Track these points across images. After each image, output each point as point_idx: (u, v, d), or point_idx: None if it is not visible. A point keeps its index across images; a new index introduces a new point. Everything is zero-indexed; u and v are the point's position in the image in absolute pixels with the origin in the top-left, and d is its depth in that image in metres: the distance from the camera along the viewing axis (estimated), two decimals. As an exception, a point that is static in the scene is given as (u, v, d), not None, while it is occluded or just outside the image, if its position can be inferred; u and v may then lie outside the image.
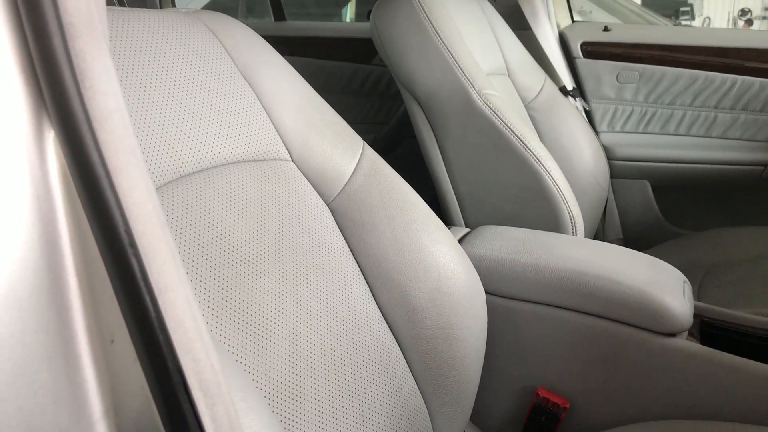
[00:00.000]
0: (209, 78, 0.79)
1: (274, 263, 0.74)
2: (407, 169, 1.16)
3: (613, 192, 1.88)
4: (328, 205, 0.86)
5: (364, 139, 0.94)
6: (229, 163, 0.77)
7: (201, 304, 0.64)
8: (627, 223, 1.88)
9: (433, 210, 0.94)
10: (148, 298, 0.30)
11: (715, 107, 1.78)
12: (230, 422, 0.34)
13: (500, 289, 1.00)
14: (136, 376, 0.32)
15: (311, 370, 0.70)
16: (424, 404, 0.85)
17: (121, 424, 0.33)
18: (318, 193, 0.86)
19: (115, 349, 0.32)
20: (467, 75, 1.30)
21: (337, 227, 0.85)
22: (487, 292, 1.00)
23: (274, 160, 0.83)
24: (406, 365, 0.84)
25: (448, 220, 1.42)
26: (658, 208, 1.85)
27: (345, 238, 0.86)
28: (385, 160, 0.94)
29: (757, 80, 1.73)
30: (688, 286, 0.98)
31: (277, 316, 0.70)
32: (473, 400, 0.92)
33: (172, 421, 0.32)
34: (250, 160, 0.80)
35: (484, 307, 0.92)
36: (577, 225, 1.25)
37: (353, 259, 0.85)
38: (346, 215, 0.86)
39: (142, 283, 0.30)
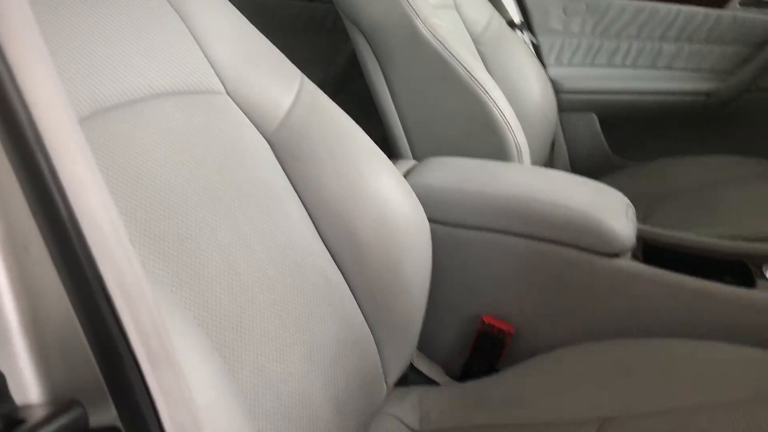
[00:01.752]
0: (134, 6, 0.76)
1: (209, 196, 0.73)
2: (358, 109, 1.15)
3: (561, 125, 1.90)
4: (266, 139, 0.85)
5: (312, 80, 0.93)
6: (157, 96, 0.75)
7: (130, 236, 0.63)
8: (575, 156, 1.91)
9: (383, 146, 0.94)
10: (59, 200, 0.29)
11: (661, 38, 1.80)
12: (155, 328, 0.33)
13: (446, 217, 1.02)
14: (54, 284, 0.31)
15: (254, 303, 0.70)
16: (371, 335, 0.87)
17: (42, 336, 0.32)
18: (256, 127, 0.84)
19: (29, 257, 0.31)
20: (412, 4, 1.29)
21: (276, 161, 0.85)
22: (433, 221, 1.01)
23: (207, 93, 0.81)
24: (352, 297, 0.85)
25: (395, 154, 1.43)
26: (606, 140, 1.89)
27: (285, 172, 0.85)
28: (334, 101, 0.93)
29: (701, 10, 1.76)
30: (631, 209, 1.01)
31: (214, 249, 0.69)
32: (420, 330, 0.95)
33: (93, 328, 0.32)
34: (180, 93, 0.78)
35: (428, 238, 0.93)
36: (523, 154, 1.27)
37: (294, 193, 0.85)
38: (286, 149, 0.85)
39: (52, 184, 0.29)
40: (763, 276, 0.96)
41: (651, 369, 0.85)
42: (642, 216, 1.35)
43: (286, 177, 0.85)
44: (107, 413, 0.34)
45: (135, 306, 0.32)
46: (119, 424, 0.34)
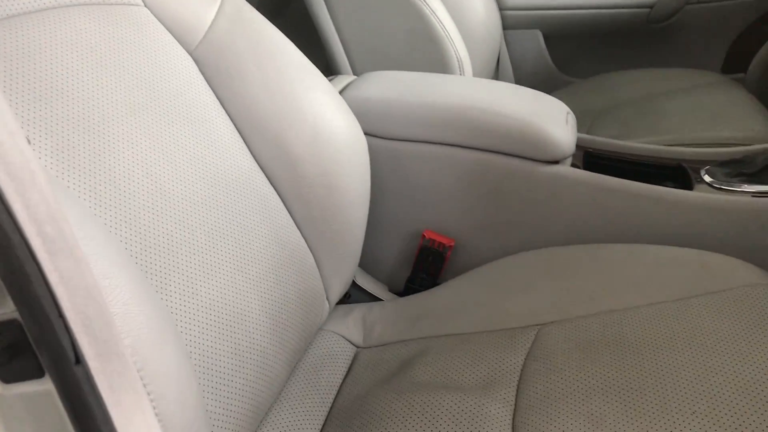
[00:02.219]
0: None
1: (129, 111, 0.70)
2: (299, 31, 1.12)
3: (506, 43, 1.88)
4: (190, 54, 0.81)
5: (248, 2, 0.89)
6: (67, 6, 0.70)
7: (39, 148, 0.60)
8: (520, 74, 1.90)
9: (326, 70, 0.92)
10: None
11: (603, -48, 1.79)
12: (50, 214, 0.32)
13: (386, 131, 1.00)
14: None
15: (180, 220, 0.69)
16: (309, 253, 0.86)
17: None
18: (178, 41, 0.81)
19: None
20: None
21: (202, 77, 0.82)
22: (373, 135, 1.00)
23: (123, 4, 0.77)
24: (288, 214, 0.84)
25: (335, 71, 1.40)
26: (551, 57, 1.88)
27: (212, 88, 0.82)
28: (274, 24, 0.89)
29: None
30: (571, 116, 1.01)
31: (136, 164, 0.67)
32: (360, 247, 0.94)
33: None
34: (93, 3, 0.73)
35: (365, 154, 0.91)
36: (464, 67, 1.26)
37: (222, 109, 0.82)
38: (211, 64, 0.82)
39: None
40: (702, 180, 0.98)
41: (587, 274, 0.87)
42: (585, 130, 1.36)
43: (213, 94, 0.82)
44: (4, 306, 0.32)
45: (23, 187, 0.30)
46: (17, 317, 0.32)
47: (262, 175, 0.83)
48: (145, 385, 0.48)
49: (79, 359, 0.33)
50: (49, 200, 0.31)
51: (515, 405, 0.72)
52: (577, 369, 0.72)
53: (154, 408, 0.48)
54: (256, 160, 0.83)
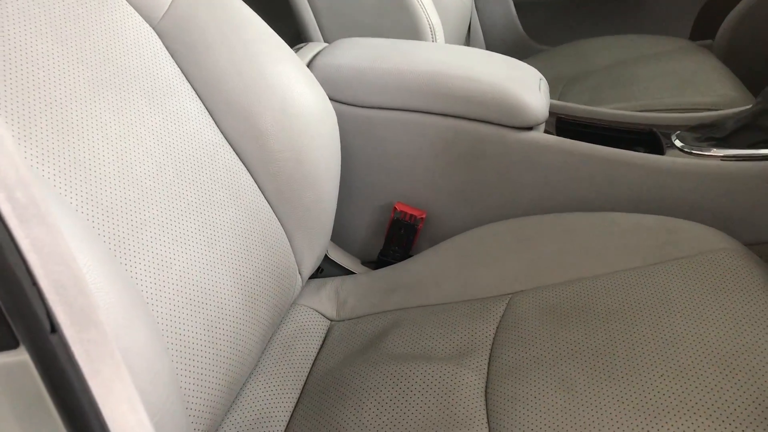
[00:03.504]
0: None
1: (93, 88, 0.70)
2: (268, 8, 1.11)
3: (477, 10, 1.89)
4: (153, 28, 0.81)
5: None
6: None
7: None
8: (491, 42, 1.92)
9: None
10: None
11: None
12: (20, 179, 0.32)
13: (358, 98, 1.01)
14: None
15: (148, 195, 0.69)
16: (280, 227, 0.87)
17: None
18: (141, 15, 0.80)
19: None
20: None
21: (166, 51, 0.81)
22: (344, 103, 1.00)
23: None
24: (257, 189, 0.85)
25: (305, 37, 1.39)
26: (522, 25, 1.90)
27: (177, 63, 0.82)
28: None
29: None
30: (543, 82, 1.03)
31: (101, 141, 0.67)
32: (332, 220, 0.95)
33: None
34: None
35: (335, 126, 0.92)
36: (436, 34, 1.26)
37: (188, 83, 0.82)
38: (176, 38, 0.82)
39: None
40: (672, 144, 1.00)
41: (556, 243, 0.90)
42: (556, 98, 1.38)
43: (178, 68, 0.82)
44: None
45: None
46: (-12, 285, 0.32)
47: (231, 150, 0.84)
48: (117, 361, 0.49)
49: (54, 328, 0.33)
50: (19, 165, 0.32)
51: (487, 373, 0.74)
52: (548, 336, 0.75)
53: (128, 383, 0.50)
54: (224, 135, 0.84)
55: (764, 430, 0.58)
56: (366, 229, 1.10)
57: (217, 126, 0.83)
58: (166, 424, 0.53)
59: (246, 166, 0.84)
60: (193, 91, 0.83)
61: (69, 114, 0.66)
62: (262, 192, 0.86)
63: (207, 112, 0.83)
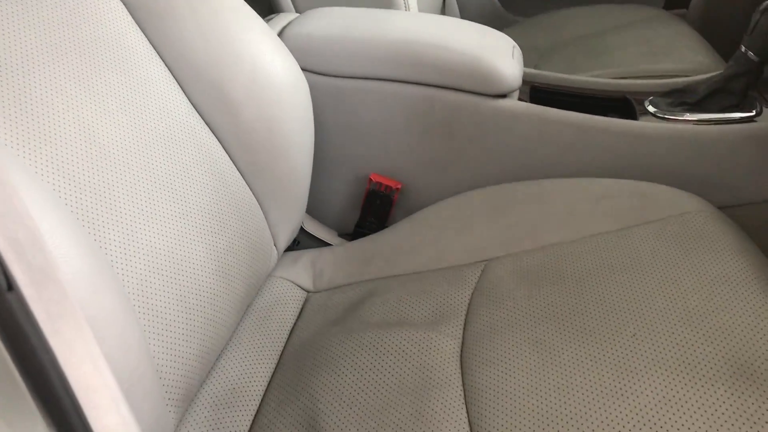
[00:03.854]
0: None
1: (54, 55, 0.68)
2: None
3: (451, -19, 1.88)
4: None
5: None
6: None
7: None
8: (466, 13, 1.91)
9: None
10: None
11: None
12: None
13: (330, 67, 1.00)
14: None
15: (114, 166, 0.68)
16: (254, 199, 0.86)
17: None
18: None
19: None
20: None
21: (132, 20, 0.80)
22: (316, 73, 0.99)
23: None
24: (230, 161, 0.84)
25: (277, 8, 1.38)
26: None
27: (144, 33, 0.81)
28: None
29: None
30: (517, 50, 1.02)
31: (63, 109, 0.66)
32: (307, 192, 0.95)
33: None
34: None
35: (307, 95, 0.91)
36: (410, 2, 1.25)
37: (156, 54, 0.81)
38: (142, 7, 0.81)
39: None
40: (646, 110, 1.01)
41: (530, 210, 0.90)
42: (533, 68, 1.37)
43: (145, 38, 0.81)
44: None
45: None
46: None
47: (201, 121, 0.83)
48: (84, 327, 0.48)
49: (11, 286, 0.33)
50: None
51: (463, 337, 0.75)
52: (522, 300, 0.75)
53: (96, 350, 0.49)
54: (194, 107, 0.83)
55: (735, 385, 0.59)
56: (342, 201, 1.10)
57: (187, 97, 0.83)
58: (138, 392, 0.52)
59: (217, 138, 0.84)
60: (162, 62, 0.81)
61: (28, 82, 0.65)
62: (234, 164, 0.85)
63: (176, 83, 0.82)
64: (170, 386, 0.65)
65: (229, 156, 0.85)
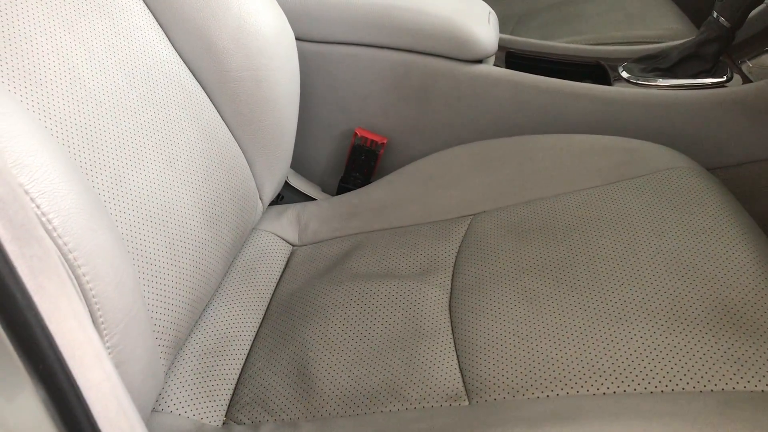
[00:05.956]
0: None
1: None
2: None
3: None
4: None
5: None
6: None
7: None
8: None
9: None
10: None
11: None
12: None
13: (311, 33, 0.96)
14: None
15: (103, 110, 0.62)
16: (239, 149, 0.81)
17: None
18: None
19: None
20: None
21: None
22: (298, 39, 0.94)
23: None
24: (215, 110, 0.78)
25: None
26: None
27: None
28: None
29: None
30: (493, 15, 0.99)
31: (51, 51, 0.60)
32: (292, 146, 0.90)
33: None
34: None
35: (293, 47, 0.86)
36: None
37: (140, 0, 0.74)
38: None
39: None
40: (619, 76, 0.98)
41: (516, 164, 0.86)
42: (507, 34, 1.34)
43: None
44: None
45: None
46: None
47: (186, 69, 0.77)
48: (79, 266, 0.44)
49: (-7, 242, 0.29)
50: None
51: (451, 288, 0.71)
52: (510, 252, 0.72)
53: (91, 290, 0.44)
54: (180, 54, 0.77)
55: (721, 329, 0.57)
56: (326, 157, 1.05)
57: (172, 44, 0.76)
58: (132, 330, 0.47)
59: (203, 86, 0.78)
60: (146, 8, 0.75)
61: (16, 23, 0.59)
62: (220, 113, 0.79)
63: (161, 29, 0.76)
64: (161, 333, 0.60)
65: (215, 105, 0.79)
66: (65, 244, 0.43)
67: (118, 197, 0.60)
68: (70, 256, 0.43)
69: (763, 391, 0.52)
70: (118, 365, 0.47)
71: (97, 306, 0.45)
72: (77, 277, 0.44)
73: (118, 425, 0.33)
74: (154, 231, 0.63)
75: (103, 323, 0.45)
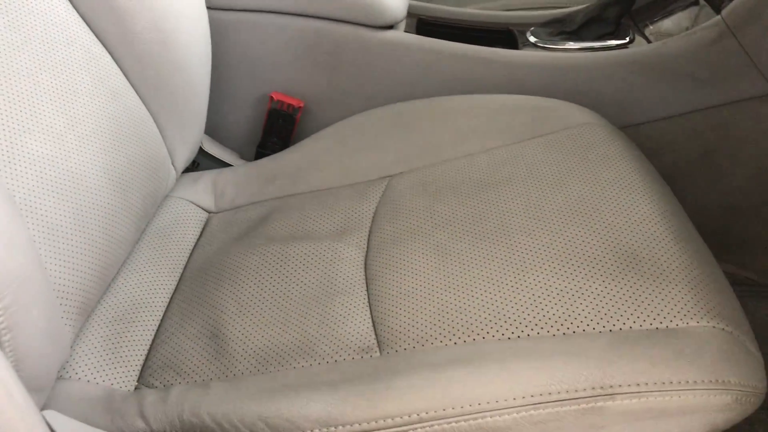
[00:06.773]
0: None
1: None
2: None
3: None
4: None
5: None
6: None
7: None
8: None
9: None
10: None
11: None
12: None
13: (222, 1, 0.92)
14: None
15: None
16: (148, 114, 0.78)
17: None
18: None
19: None
20: None
21: None
22: (210, 8, 0.90)
23: None
24: (120, 73, 0.74)
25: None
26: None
27: None
28: None
29: None
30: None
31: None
32: (205, 111, 0.87)
33: None
34: None
35: (203, 8, 0.82)
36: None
37: None
38: None
39: None
40: (527, 41, 0.98)
41: (430, 126, 0.86)
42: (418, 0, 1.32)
43: None
44: None
45: None
46: None
47: (89, 31, 0.72)
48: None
49: None
50: None
51: (367, 246, 0.71)
52: (424, 209, 0.72)
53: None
54: (80, 14, 0.72)
55: (622, 273, 0.58)
56: (244, 124, 1.02)
57: (73, 6, 0.71)
58: (26, 291, 0.45)
59: (108, 49, 0.73)
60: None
61: None
62: (126, 76, 0.75)
63: None
64: (66, 297, 0.57)
65: (120, 68, 0.74)
66: None
67: (13, 161, 0.56)
68: None
69: (657, 328, 0.53)
70: (11, 327, 0.44)
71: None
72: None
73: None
74: (56, 195, 0.59)
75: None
